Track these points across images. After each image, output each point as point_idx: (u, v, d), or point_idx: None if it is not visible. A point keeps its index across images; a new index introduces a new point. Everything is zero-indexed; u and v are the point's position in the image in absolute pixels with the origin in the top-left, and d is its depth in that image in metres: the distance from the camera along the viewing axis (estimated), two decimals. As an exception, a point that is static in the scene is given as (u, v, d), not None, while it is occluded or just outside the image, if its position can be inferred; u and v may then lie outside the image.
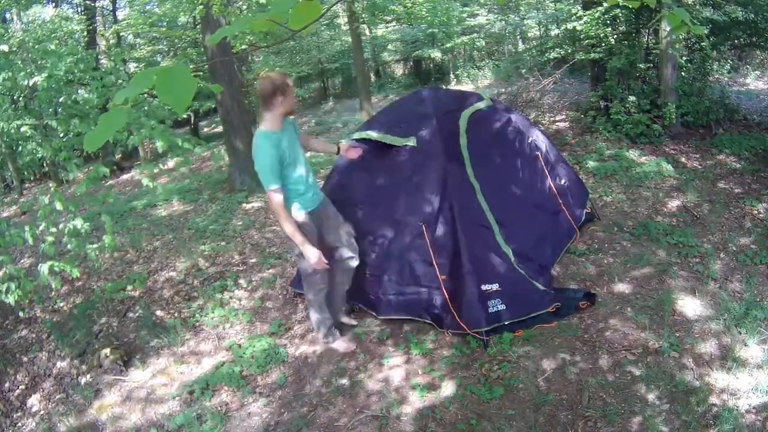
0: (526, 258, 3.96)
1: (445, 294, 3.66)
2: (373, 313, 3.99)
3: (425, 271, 3.78)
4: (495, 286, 3.62)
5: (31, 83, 4.27)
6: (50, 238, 3.93)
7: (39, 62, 4.97)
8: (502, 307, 3.59)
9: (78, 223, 3.94)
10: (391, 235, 3.97)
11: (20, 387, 4.17)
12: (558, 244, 4.47)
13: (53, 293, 5.43)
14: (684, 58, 7.31)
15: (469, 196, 3.92)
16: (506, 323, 3.60)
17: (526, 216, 4.26)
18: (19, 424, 3.78)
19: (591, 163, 6.48)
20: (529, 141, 4.59)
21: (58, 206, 3.91)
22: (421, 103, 4.32)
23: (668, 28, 6.72)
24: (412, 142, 3.98)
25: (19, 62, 4.89)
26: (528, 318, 3.65)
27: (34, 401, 3.98)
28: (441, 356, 3.55)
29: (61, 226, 3.98)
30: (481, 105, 4.41)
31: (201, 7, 6.08)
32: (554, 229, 4.48)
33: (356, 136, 4.35)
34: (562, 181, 4.71)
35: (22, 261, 6.55)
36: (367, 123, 4.47)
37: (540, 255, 4.17)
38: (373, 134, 4.14)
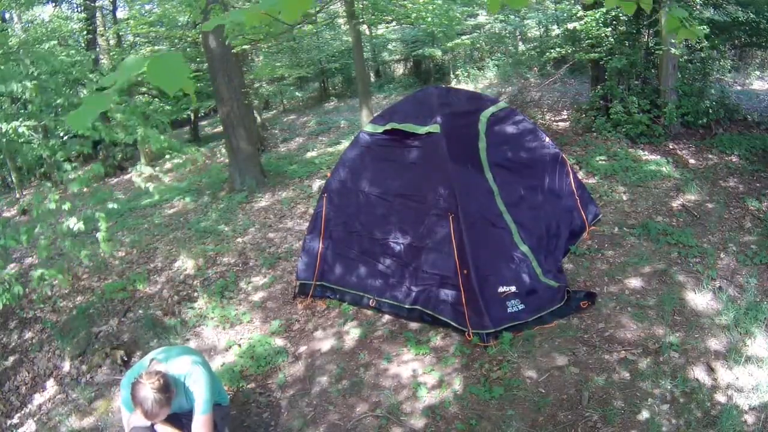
0: (541, 256, 4.01)
1: (463, 294, 3.66)
2: (406, 306, 3.94)
3: (447, 265, 3.77)
4: (512, 288, 3.66)
5: (26, 85, 4.26)
6: (43, 241, 3.92)
7: (35, 66, 4.97)
8: (521, 306, 3.63)
9: (71, 222, 3.93)
10: (411, 228, 3.99)
11: (21, 387, 4.17)
12: (569, 241, 4.57)
13: (53, 294, 5.43)
14: (684, 58, 7.30)
15: (488, 200, 3.97)
16: (528, 320, 3.63)
17: (543, 215, 4.35)
18: (20, 424, 3.78)
19: (591, 163, 6.47)
20: (545, 141, 4.68)
21: (52, 205, 3.91)
22: (428, 101, 4.35)
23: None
24: (435, 129, 3.98)
25: (13, 65, 4.88)
26: (544, 314, 3.69)
27: (35, 401, 3.98)
28: (442, 356, 3.55)
29: (57, 227, 3.97)
30: (498, 107, 4.47)
31: (197, 11, 6.05)
32: (568, 226, 4.60)
33: (370, 129, 4.36)
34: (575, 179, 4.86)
35: (23, 261, 6.56)
36: (379, 116, 4.48)
37: (554, 252, 4.26)
38: (395, 124, 4.16)
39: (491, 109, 4.38)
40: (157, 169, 4.66)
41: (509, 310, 3.62)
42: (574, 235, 4.65)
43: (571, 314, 3.72)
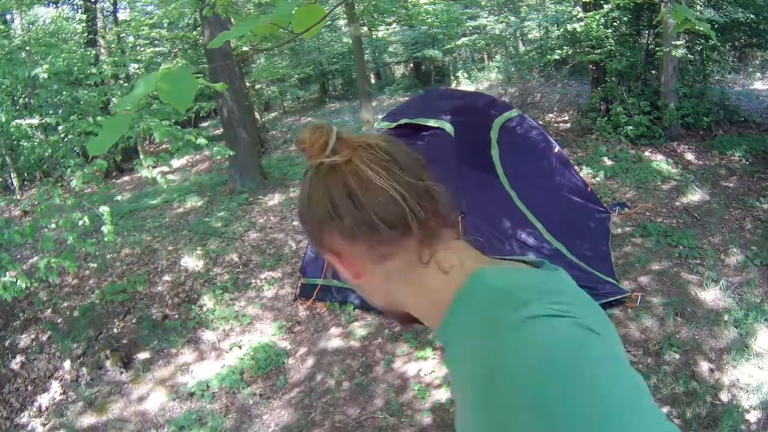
0: (580, 251, 4.03)
1: None
2: None
3: None
4: None
5: (32, 74, 4.25)
6: (48, 233, 3.92)
7: (40, 60, 4.97)
8: None
9: (76, 216, 3.93)
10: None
11: (21, 389, 4.17)
12: (604, 231, 4.58)
13: (53, 296, 5.43)
14: (685, 59, 7.31)
15: (507, 203, 3.96)
16: None
17: (567, 212, 4.40)
18: (20, 426, 3.78)
19: (592, 165, 6.48)
20: (554, 144, 4.74)
21: (56, 200, 3.91)
22: (440, 100, 4.36)
23: (671, 28, 6.72)
24: (445, 126, 3.97)
25: (22, 56, 4.89)
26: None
27: (35, 403, 3.98)
28: (442, 358, 3.55)
29: (61, 221, 3.96)
30: (511, 114, 4.50)
31: (207, 8, 6.05)
32: (595, 219, 4.64)
33: (383, 125, 4.36)
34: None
35: (26, 262, 6.56)
36: (391, 114, 4.48)
37: (593, 245, 4.28)
38: (407, 119, 4.17)
39: (505, 116, 4.40)
40: (160, 160, 4.62)
41: None
42: (604, 221, 4.68)
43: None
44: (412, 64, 18.42)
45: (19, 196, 9.87)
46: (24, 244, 6.36)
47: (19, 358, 4.50)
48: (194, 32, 11.58)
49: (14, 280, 3.67)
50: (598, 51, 7.43)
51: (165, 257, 5.96)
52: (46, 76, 4.24)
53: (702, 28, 1.36)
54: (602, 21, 7.16)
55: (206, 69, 9.05)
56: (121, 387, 3.91)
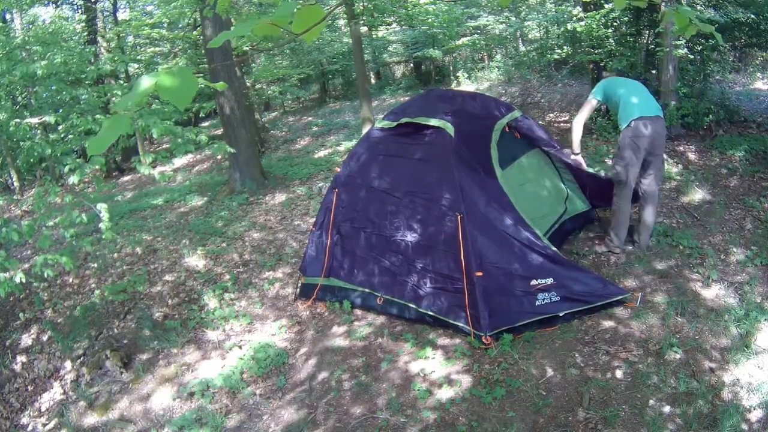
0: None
1: (467, 296, 3.64)
2: (412, 306, 3.91)
3: (453, 266, 3.73)
4: (549, 281, 3.63)
5: (31, 70, 4.24)
6: (46, 232, 3.92)
7: (38, 58, 4.97)
8: (556, 299, 3.61)
9: (74, 214, 3.92)
10: (419, 226, 3.97)
11: (21, 389, 4.17)
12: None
13: (53, 296, 5.43)
14: (685, 59, 7.30)
15: (508, 204, 3.96)
16: (561, 314, 3.61)
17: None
18: (20, 426, 3.78)
19: (592, 165, 6.47)
20: (555, 145, 4.74)
21: (55, 198, 3.91)
22: (441, 100, 4.37)
23: (672, 29, 6.72)
24: (446, 126, 3.96)
25: (23, 55, 4.90)
26: (595, 306, 3.66)
27: (35, 403, 3.98)
28: (443, 358, 3.55)
29: (59, 219, 3.96)
30: (512, 116, 4.49)
31: (208, 8, 6.06)
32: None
33: (383, 124, 4.36)
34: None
35: (30, 261, 6.56)
36: (392, 113, 4.47)
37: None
38: (408, 118, 4.16)
39: (507, 117, 4.39)
40: (159, 158, 4.64)
41: (538, 303, 3.59)
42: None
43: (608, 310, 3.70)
44: (412, 64, 18.42)
45: (19, 196, 9.87)
46: (24, 244, 6.37)
47: (19, 358, 4.51)
48: (194, 32, 11.58)
49: (10, 276, 3.67)
50: (599, 51, 7.43)
51: (165, 257, 5.96)
52: (43, 71, 4.23)
53: (707, 31, 1.36)
54: (602, 21, 7.16)
55: (206, 69, 9.06)
56: (121, 387, 3.91)
